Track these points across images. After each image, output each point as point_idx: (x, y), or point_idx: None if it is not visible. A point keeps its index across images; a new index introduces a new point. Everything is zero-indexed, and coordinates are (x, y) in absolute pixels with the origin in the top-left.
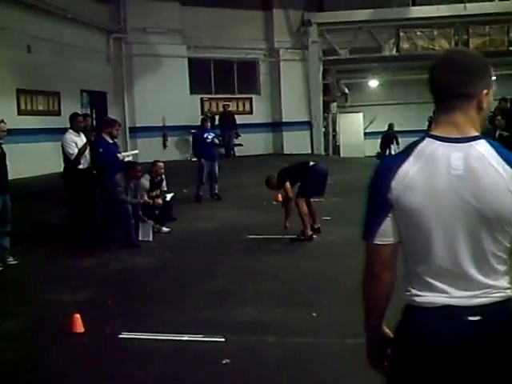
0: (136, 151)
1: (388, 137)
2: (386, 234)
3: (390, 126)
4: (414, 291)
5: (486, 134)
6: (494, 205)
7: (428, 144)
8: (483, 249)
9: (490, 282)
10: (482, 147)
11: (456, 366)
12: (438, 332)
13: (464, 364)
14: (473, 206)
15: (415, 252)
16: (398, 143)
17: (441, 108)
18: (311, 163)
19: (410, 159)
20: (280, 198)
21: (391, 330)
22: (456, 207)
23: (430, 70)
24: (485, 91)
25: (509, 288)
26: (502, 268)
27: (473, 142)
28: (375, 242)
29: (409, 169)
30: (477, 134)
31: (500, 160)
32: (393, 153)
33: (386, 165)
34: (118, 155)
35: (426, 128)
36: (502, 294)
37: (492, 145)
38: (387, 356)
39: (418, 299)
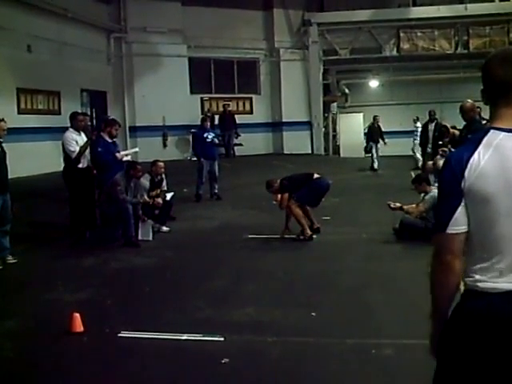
0: (136, 149)
1: (374, 132)
2: (458, 222)
3: (375, 118)
4: (477, 277)
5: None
6: None
7: (494, 135)
8: None
9: None
10: None
11: None
12: (502, 315)
13: None
14: None
15: (484, 239)
16: (383, 139)
17: (502, 102)
18: (316, 176)
19: (480, 149)
20: (279, 197)
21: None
22: None
23: (489, 66)
24: None
25: None
26: None
27: None
28: (448, 232)
29: (479, 158)
30: None
31: None
32: (379, 153)
33: (457, 156)
34: (117, 154)
35: (413, 129)
36: None
37: None
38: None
39: (481, 285)
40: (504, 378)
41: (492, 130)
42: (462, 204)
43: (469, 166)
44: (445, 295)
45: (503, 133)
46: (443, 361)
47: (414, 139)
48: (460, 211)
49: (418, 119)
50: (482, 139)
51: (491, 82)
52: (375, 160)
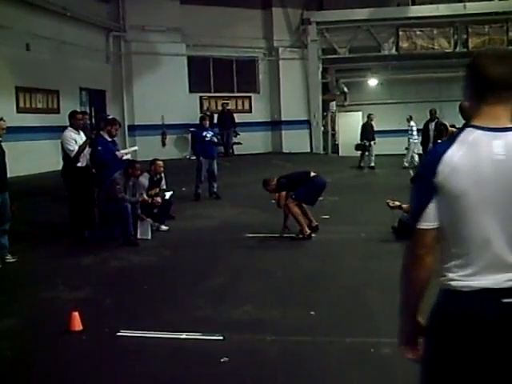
0: (135, 148)
1: (368, 130)
2: (429, 218)
3: (369, 116)
4: (450, 275)
5: None
6: None
7: (469, 133)
8: None
9: None
10: None
11: (495, 346)
12: (477, 314)
13: (503, 344)
14: None
15: (455, 234)
16: (374, 139)
17: (486, 100)
18: (312, 174)
19: (454, 146)
20: (277, 196)
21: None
22: (498, 190)
23: (482, 63)
24: None
25: None
26: None
27: (511, 132)
28: (420, 227)
29: (453, 154)
30: None
31: None
32: (373, 154)
33: (433, 153)
34: (117, 153)
35: (407, 128)
36: None
37: None
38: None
39: (453, 283)
40: (480, 373)
41: (469, 128)
42: (435, 200)
43: (442, 162)
44: (415, 289)
45: (479, 131)
46: (425, 361)
47: (409, 138)
48: (432, 207)
49: (411, 118)
50: (458, 136)
51: (483, 79)
52: (368, 158)
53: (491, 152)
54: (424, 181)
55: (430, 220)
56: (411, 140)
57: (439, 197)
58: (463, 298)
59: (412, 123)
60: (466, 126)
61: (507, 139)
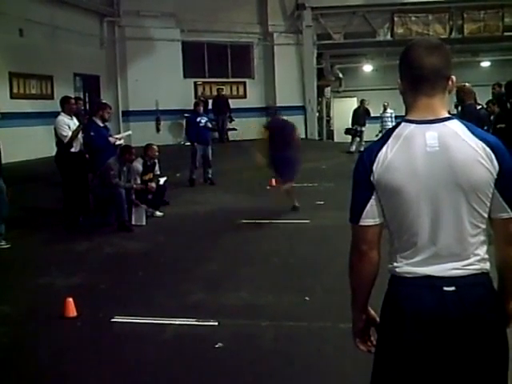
0: (129, 132)
1: (360, 115)
2: (370, 215)
3: (362, 102)
4: (395, 263)
5: (481, 120)
6: (469, 176)
7: (404, 127)
8: (462, 220)
9: (468, 255)
10: (455, 125)
11: (434, 333)
12: (417, 299)
13: (441, 332)
14: (450, 179)
15: (399, 228)
16: (365, 124)
17: (421, 91)
18: None
19: (388, 142)
20: (274, 183)
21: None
22: (435, 182)
23: (416, 54)
24: (453, 76)
25: (485, 260)
26: (479, 239)
27: (446, 122)
28: (361, 224)
29: (387, 151)
30: (448, 115)
31: (472, 136)
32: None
33: (367, 151)
34: (110, 138)
35: (388, 114)
36: (477, 267)
37: (463, 123)
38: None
39: (398, 270)
40: (423, 359)
41: (403, 123)
42: (374, 197)
43: (377, 159)
44: (362, 283)
45: (413, 124)
46: (376, 347)
47: (384, 127)
48: (371, 204)
49: (388, 105)
50: (393, 132)
51: (418, 70)
52: (359, 143)
53: (425, 145)
54: (361, 179)
55: (371, 216)
56: (386, 128)
57: (378, 193)
58: (407, 284)
59: (390, 110)
60: (402, 120)
61: (441, 130)
